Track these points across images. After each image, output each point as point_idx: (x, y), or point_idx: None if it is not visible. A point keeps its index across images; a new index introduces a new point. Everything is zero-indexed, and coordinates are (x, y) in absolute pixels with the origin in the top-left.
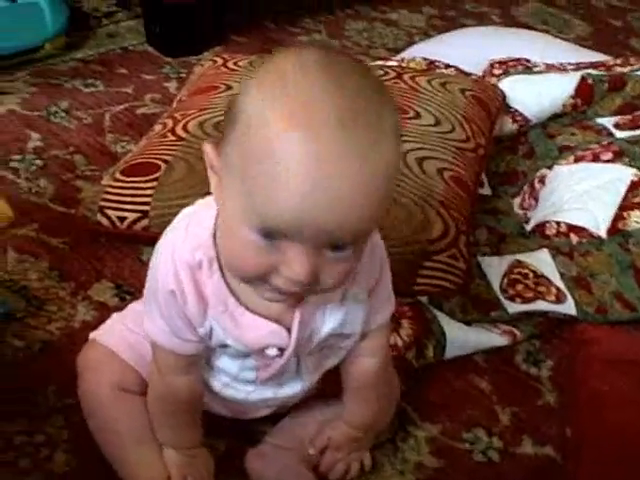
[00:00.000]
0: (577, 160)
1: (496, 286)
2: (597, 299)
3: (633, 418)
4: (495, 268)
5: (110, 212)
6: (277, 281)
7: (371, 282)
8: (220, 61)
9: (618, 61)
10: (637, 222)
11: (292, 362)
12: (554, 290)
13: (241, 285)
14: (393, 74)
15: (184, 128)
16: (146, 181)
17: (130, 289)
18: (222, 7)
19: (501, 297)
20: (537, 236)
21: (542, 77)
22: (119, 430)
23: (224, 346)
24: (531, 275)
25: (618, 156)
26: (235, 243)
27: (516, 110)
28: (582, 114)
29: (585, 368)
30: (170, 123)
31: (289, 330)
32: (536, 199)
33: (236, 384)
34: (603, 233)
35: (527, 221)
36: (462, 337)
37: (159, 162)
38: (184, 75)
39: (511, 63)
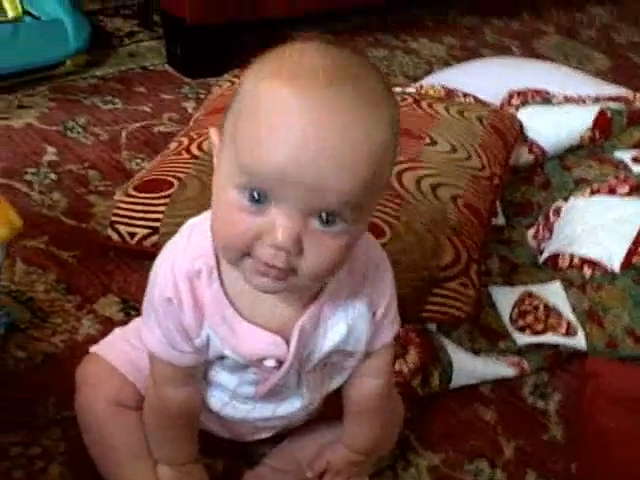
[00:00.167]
0: (593, 193)
1: (506, 316)
2: (608, 334)
3: (639, 456)
4: (506, 298)
5: (121, 227)
6: (261, 251)
7: (377, 300)
8: (238, 82)
9: (638, 95)
10: None
11: (292, 377)
12: (564, 323)
13: (240, 295)
14: (411, 100)
15: (199, 147)
16: (158, 197)
17: (136, 305)
18: (241, 30)
19: (510, 328)
20: (550, 268)
21: (560, 108)
22: (114, 445)
23: (222, 358)
24: (542, 307)
25: (635, 190)
26: (223, 209)
27: (533, 141)
28: (600, 147)
29: (592, 404)
30: (185, 141)
31: (288, 343)
32: (550, 231)
33: (235, 402)
34: (616, 267)
35: (540, 252)
36: (469, 366)
37: (172, 179)
38: (202, 96)
39: (530, 94)
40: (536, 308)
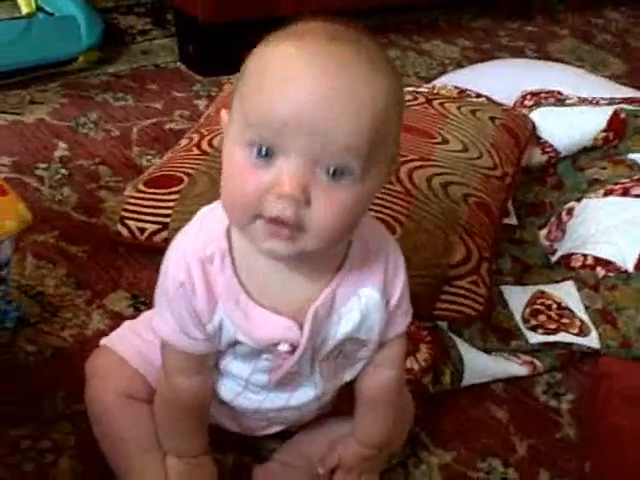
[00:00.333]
0: (607, 194)
1: (518, 316)
2: (622, 334)
3: None
4: (518, 298)
5: (130, 222)
6: (271, 207)
7: (390, 289)
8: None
9: None
10: None
11: (306, 364)
12: (578, 322)
13: (253, 280)
14: (423, 99)
15: (209, 143)
16: (168, 193)
17: (146, 300)
18: (254, 28)
19: (522, 327)
20: (562, 268)
21: (574, 109)
22: (124, 438)
23: (234, 345)
24: (554, 306)
25: None
26: (233, 169)
27: (546, 141)
28: (614, 148)
29: (605, 403)
30: (196, 138)
31: (302, 328)
32: (563, 231)
33: (248, 392)
34: (630, 267)
35: (553, 252)
36: (481, 365)
37: (182, 175)
38: (214, 93)
39: (543, 95)
40: (549, 307)
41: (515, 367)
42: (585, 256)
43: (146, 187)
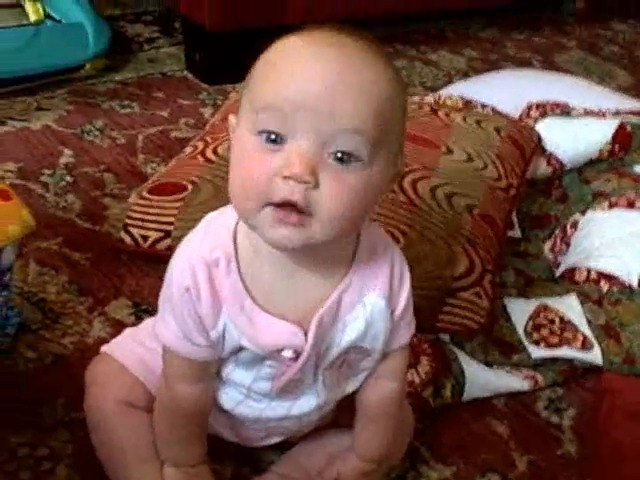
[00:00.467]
0: (611, 206)
1: (520, 329)
2: (625, 349)
3: None
4: (521, 311)
5: (134, 230)
6: (280, 190)
7: (396, 298)
8: None
9: None
10: None
11: (309, 372)
12: (580, 337)
13: (258, 286)
14: (428, 109)
15: (214, 151)
16: (172, 201)
17: (148, 308)
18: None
19: (525, 341)
20: (566, 281)
21: (579, 121)
22: (123, 446)
23: (236, 353)
24: (557, 320)
25: None
26: (242, 156)
27: (551, 153)
28: (619, 161)
29: (607, 419)
30: (201, 146)
31: (306, 334)
32: (567, 244)
33: (249, 401)
34: (634, 282)
35: (557, 266)
36: (482, 378)
37: (186, 183)
38: (220, 102)
39: (549, 106)
40: (551, 321)
41: (517, 381)
42: (589, 270)
43: (150, 194)
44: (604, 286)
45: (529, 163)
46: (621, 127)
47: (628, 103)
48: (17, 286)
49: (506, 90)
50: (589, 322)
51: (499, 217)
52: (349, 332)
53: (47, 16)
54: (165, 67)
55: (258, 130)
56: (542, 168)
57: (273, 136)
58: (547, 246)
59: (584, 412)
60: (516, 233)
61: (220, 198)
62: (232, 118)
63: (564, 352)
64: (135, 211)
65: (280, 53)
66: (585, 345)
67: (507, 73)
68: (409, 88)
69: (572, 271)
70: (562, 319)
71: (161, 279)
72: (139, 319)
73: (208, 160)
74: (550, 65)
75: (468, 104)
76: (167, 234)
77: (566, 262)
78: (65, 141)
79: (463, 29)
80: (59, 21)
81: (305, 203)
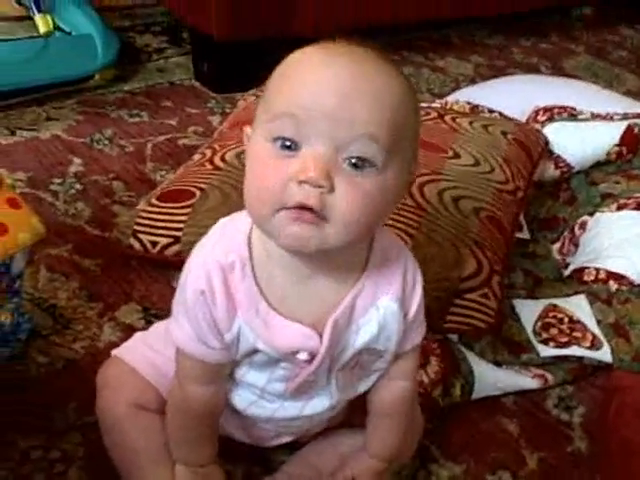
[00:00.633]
0: (620, 208)
1: (529, 329)
2: (635, 348)
3: None
4: (529, 311)
5: (143, 236)
6: (293, 194)
7: (409, 301)
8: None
9: None
10: None
11: (323, 374)
12: (590, 336)
13: (273, 289)
14: (435, 114)
15: (222, 158)
16: (180, 207)
17: (158, 313)
18: (268, 47)
19: (534, 340)
20: (575, 281)
21: (587, 124)
22: (135, 448)
23: (250, 355)
24: (566, 320)
25: None
26: (257, 163)
27: (559, 156)
28: (627, 163)
29: (617, 416)
30: (209, 153)
31: (321, 337)
32: (576, 245)
33: (262, 401)
34: None
35: (566, 266)
36: (491, 377)
37: (194, 190)
38: (228, 110)
39: (556, 110)
40: (560, 321)
41: (526, 380)
42: (598, 270)
43: (159, 201)
44: (613, 285)
45: (536, 166)
46: (629, 129)
47: (636, 107)
48: (28, 292)
49: (513, 95)
50: (598, 321)
51: (506, 220)
52: (363, 334)
53: (56, 28)
54: (174, 76)
55: (273, 137)
56: (550, 171)
57: (288, 142)
58: (555, 247)
59: (594, 410)
60: (524, 235)
61: (228, 204)
62: (248, 129)
63: (573, 351)
64: (144, 218)
65: (293, 64)
66: (594, 344)
67: (514, 79)
68: (417, 95)
69: (581, 271)
70: (571, 318)
71: (170, 284)
72: (149, 323)
73: (216, 167)
74: (558, 71)
75: (475, 109)
76: (176, 240)
77: (575, 263)
78: (74, 150)
79: (469, 35)
80: (69, 33)
81: (320, 207)
